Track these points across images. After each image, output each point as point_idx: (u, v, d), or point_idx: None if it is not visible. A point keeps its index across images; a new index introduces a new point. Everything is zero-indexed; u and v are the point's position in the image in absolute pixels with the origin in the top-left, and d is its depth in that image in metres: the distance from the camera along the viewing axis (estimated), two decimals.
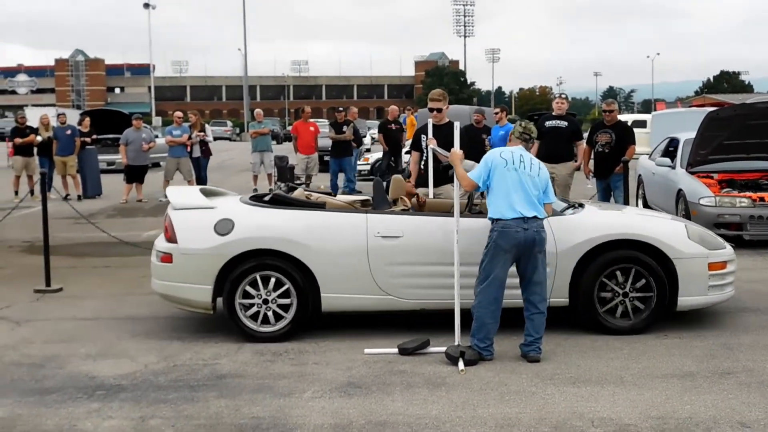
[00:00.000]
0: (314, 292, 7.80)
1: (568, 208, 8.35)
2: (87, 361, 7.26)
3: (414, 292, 7.81)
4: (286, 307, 7.81)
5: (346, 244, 7.80)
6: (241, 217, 7.96)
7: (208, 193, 8.62)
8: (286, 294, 7.78)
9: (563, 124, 13.37)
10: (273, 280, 7.77)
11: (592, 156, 13.49)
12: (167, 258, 7.93)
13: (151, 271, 8.23)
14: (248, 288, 7.78)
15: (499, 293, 7.05)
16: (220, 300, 7.93)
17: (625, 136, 13.14)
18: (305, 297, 7.77)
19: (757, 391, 6.23)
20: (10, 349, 7.70)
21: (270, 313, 7.80)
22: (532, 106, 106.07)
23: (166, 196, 20.44)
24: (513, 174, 7.05)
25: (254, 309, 7.81)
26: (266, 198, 8.54)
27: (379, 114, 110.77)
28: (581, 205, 8.62)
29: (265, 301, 7.79)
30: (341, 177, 21.27)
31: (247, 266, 7.74)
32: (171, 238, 7.93)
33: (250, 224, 7.89)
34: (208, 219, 7.92)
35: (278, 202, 8.35)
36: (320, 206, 8.29)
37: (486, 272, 7.03)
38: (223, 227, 7.83)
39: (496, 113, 16.72)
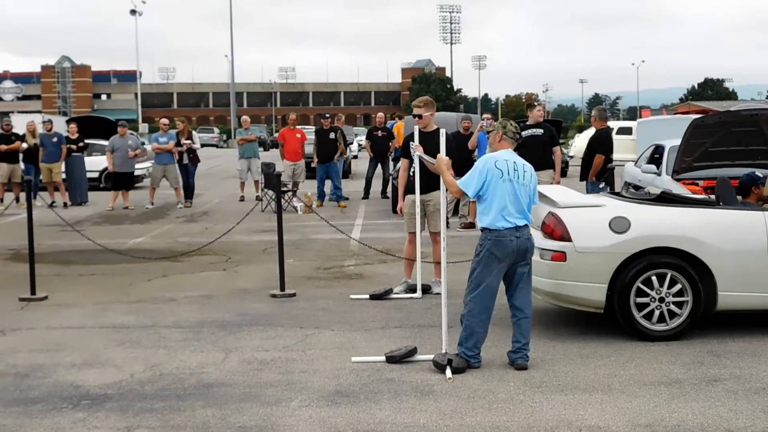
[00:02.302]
0: (709, 289, 7.82)
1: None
2: (72, 371, 7.21)
3: None
4: (680, 305, 7.83)
5: (746, 241, 7.86)
6: (636, 214, 7.97)
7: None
8: (680, 292, 7.80)
9: (539, 131, 13.58)
10: (668, 277, 7.78)
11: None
12: (560, 256, 7.89)
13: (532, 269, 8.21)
14: (641, 286, 7.79)
15: (491, 303, 7.03)
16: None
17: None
18: (699, 295, 7.79)
19: (745, 398, 6.24)
20: None
21: (665, 312, 7.82)
22: (518, 113, 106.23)
23: (152, 203, 20.56)
24: (509, 185, 6.98)
25: (649, 308, 7.82)
26: (650, 195, 8.61)
27: (366, 121, 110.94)
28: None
29: (661, 300, 7.80)
30: (328, 184, 21.27)
31: (641, 264, 7.77)
32: (562, 236, 7.91)
33: (647, 222, 7.92)
34: (601, 217, 7.96)
35: (665, 199, 8.42)
36: (711, 203, 8.38)
37: (478, 281, 7.01)
38: (619, 225, 7.84)
39: (488, 119, 16.75)
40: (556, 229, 7.99)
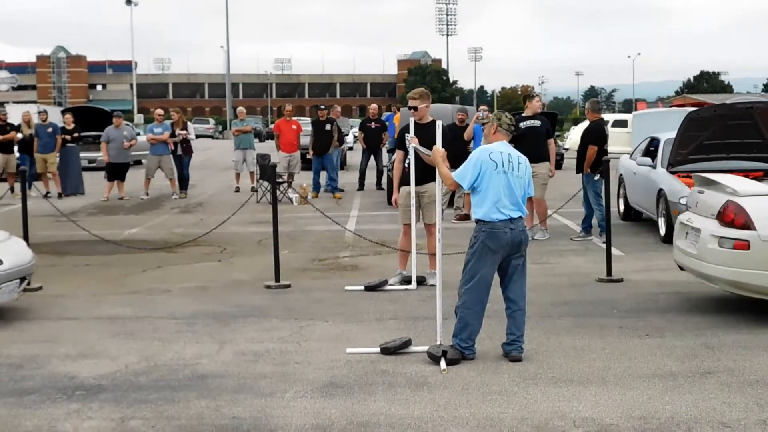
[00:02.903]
0: None
1: None
2: (67, 362, 7.21)
3: None
4: None
5: None
6: None
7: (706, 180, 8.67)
8: None
9: (537, 123, 13.60)
10: None
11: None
12: (743, 245, 7.86)
13: (706, 257, 8.12)
14: None
15: (485, 294, 7.04)
16: None
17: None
18: None
19: (738, 391, 6.25)
20: None
21: None
22: (514, 105, 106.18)
23: (147, 194, 20.54)
24: (503, 177, 6.97)
25: None
26: None
27: (362, 112, 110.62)
28: None
29: None
30: (323, 175, 21.25)
31: None
32: (745, 225, 7.88)
33: None
34: None
35: None
36: None
37: (472, 273, 7.02)
38: None
39: (484, 111, 16.72)
40: (737, 218, 7.96)
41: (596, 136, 13.57)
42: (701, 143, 13.29)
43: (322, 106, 21.87)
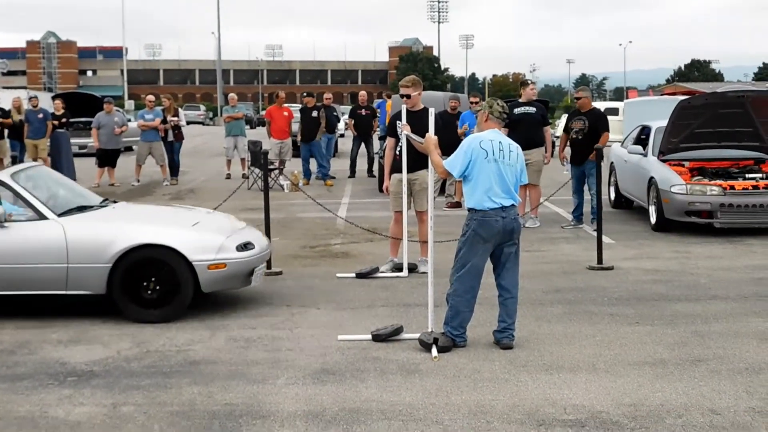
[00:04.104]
0: None
1: None
2: (59, 347, 7.21)
3: None
4: None
5: None
6: None
7: None
8: None
9: (532, 109, 13.57)
10: None
11: (568, 143, 13.64)
12: None
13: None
14: None
15: (476, 282, 7.05)
16: None
17: (598, 123, 13.28)
18: None
19: (728, 378, 6.29)
20: None
21: None
22: (505, 92, 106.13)
23: (138, 181, 20.49)
24: (494, 165, 6.96)
25: None
26: None
27: (353, 99, 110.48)
28: None
29: None
30: (313, 163, 21.23)
31: None
32: None
33: None
34: None
35: None
36: None
37: (463, 261, 7.03)
38: None
39: (475, 102, 16.58)
40: None
41: (606, 123, 13.47)
42: (692, 132, 13.35)
43: (305, 93, 21.81)
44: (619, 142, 16.94)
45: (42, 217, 8.12)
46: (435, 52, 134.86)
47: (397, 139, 9.84)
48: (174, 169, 21.14)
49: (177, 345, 7.25)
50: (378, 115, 22.44)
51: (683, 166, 13.11)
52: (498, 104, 7.30)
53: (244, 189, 17.28)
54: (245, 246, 8.40)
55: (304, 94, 21.81)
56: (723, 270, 10.15)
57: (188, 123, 25.15)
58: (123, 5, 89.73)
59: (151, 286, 7.96)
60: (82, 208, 8.67)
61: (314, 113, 20.83)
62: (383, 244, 11.21)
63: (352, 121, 22.38)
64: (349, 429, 5.40)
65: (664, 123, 13.69)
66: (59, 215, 8.18)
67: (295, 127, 21.71)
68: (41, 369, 6.63)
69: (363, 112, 22.28)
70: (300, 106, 23.04)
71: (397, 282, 9.65)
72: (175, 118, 20.94)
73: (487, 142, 7.03)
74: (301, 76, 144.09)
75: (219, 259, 8.10)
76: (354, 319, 7.99)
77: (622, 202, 15.52)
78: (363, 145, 22.19)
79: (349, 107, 29.36)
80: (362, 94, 23.28)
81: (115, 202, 9.45)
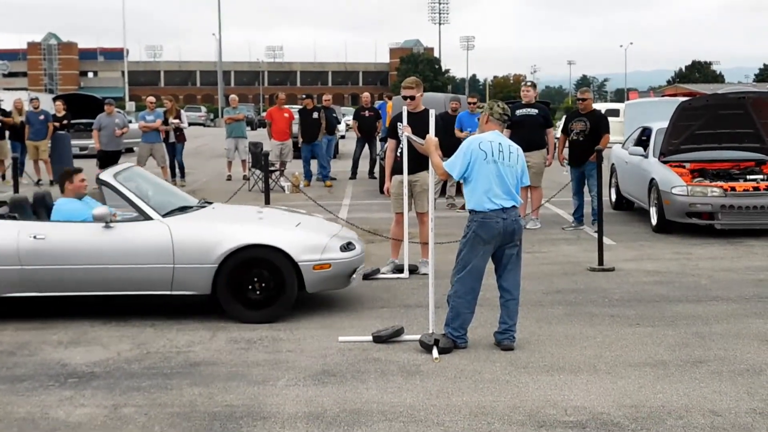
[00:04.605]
0: None
1: None
2: (59, 349, 7.21)
3: None
4: None
5: None
6: None
7: None
8: None
9: (534, 111, 13.50)
10: None
11: (567, 144, 13.64)
12: None
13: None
14: None
15: (477, 284, 7.05)
16: None
17: (599, 124, 13.28)
18: None
19: (729, 379, 6.28)
20: None
21: None
22: (506, 94, 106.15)
23: None
24: (493, 166, 6.95)
25: None
26: None
27: (354, 101, 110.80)
28: None
29: None
30: (314, 164, 21.21)
31: None
32: None
33: None
34: None
35: None
36: None
37: (464, 262, 7.02)
38: None
39: (473, 102, 16.57)
40: None
41: (607, 124, 13.49)
42: (693, 133, 13.34)
43: (304, 95, 21.81)
44: (620, 143, 16.94)
45: (147, 217, 8.11)
46: (436, 54, 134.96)
47: (398, 141, 9.84)
48: (180, 170, 21.13)
49: (177, 346, 7.25)
50: (381, 116, 22.45)
51: (684, 167, 13.10)
52: (498, 106, 7.29)
53: (245, 190, 17.27)
54: (347, 246, 8.40)
55: (303, 96, 21.80)
56: (724, 271, 10.15)
57: (189, 125, 25.06)
58: (123, 6, 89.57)
59: (256, 286, 7.95)
60: (183, 209, 8.66)
61: (314, 114, 20.82)
62: (384, 245, 11.20)
63: (356, 123, 22.37)
64: (349, 430, 5.39)
65: (664, 124, 13.69)
66: (163, 216, 8.18)
67: (295, 128, 21.70)
68: (41, 370, 6.63)
69: (367, 113, 22.26)
70: (300, 107, 23.01)
71: (398, 283, 9.64)
72: (176, 120, 20.94)
73: (487, 143, 7.02)
74: (301, 78, 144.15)
75: (324, 260, 8.10)
76: (355, 321, 7.99)
77: (622, 204, 15.51)
78: (367, 146, 22.18)
79: (350, 108, 29.37)
80: (365, 96, 23.24)
81: (210, 202, 9.38)
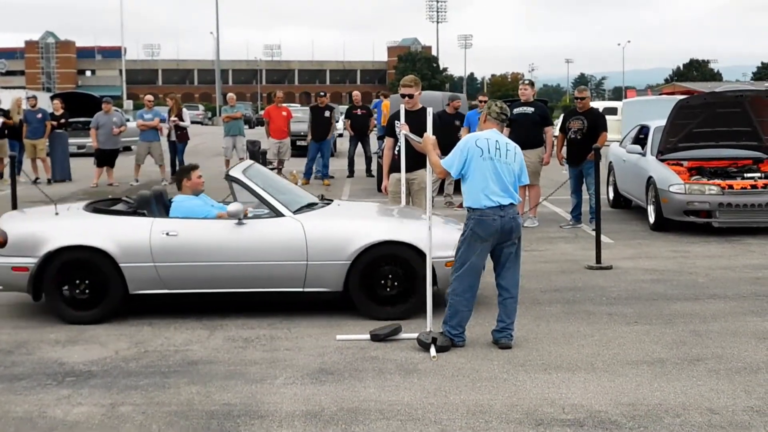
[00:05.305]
0: None
1: None
2: (57, 348, 7.21)
3: None
4: None
5: None
6: None
7: None
8: None
9: (530, 110, 13.48)
10: None
11: (565, 143, 13.64)
12: None
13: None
14: None
15: (475, 281, 7.05)
16: None
17: (596, 123, 13.29)
18: None
19: (726, 378, 6.29)
20: None
21: None
22: (504, 92, 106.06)
23: (137, 181, 20.48)
24: (489, 163, 6.97)
25: None
26: None
27: (352, 99, 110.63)
28: None
29: None
30: (318, 162, 21.20)
31: None
32: None
33: None
34: None
35: None
36: None
37: (462, 260, 7.03)
38: None
39: (484, 101, 16.50)
40: None
41: (605, 122, 13.52)
42: (691, 131, 13.35)
43: (322, 93, 21.81)
44: (618, 141, 16.95)
45: (278, 214, 8.10)
46: (434, 52, 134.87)
47: (396, 139, 9.83)
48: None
49: (175, 345, 7.25)
50: (375, 114, 22.45)
51: (682, 165, 13.11)
52: (496, 105, 7.31)
53: None
54: None
55: (322, 93, 21.77)
56: (721, 269, 10.15)
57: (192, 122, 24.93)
58: (121, 5, 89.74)
59: (388, 283, 7.90)
60: (310, 206, 8.64)
61: (326, 113, 20.84)
62: None
63: (349, 122, 22.40)
64: (347, 429, 5.39)
65: (662, 122, 13.70)
66: (294, 212, 8.18)
67: (295, 126, 21.64)
68: (39, 369, 6.63)
69: (359, 111, 22.28)
70: (299, 105, 22.98)
71: None
72: (175, 120, 20.92)
73: (483, 141, 7.04)
74: (299, 76, 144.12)
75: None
76: (352, 319, 7.98)
77: (620, 202, 15.52)
78: (360, 144, 22.20)
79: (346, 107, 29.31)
80: (356, 94, 23.29)
81: (330, 200, 9.25)
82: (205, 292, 8.08)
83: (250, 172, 8.60)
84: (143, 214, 8.24)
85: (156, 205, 8.57)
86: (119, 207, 8.74)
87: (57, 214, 8.39)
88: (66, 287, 7.92)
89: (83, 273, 7.93)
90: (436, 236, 7.68)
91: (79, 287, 7.93)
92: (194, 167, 8.92)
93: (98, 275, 7.92)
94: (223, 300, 8.24)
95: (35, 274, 7.87)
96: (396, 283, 7.94)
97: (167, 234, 7.94)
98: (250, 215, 8.21)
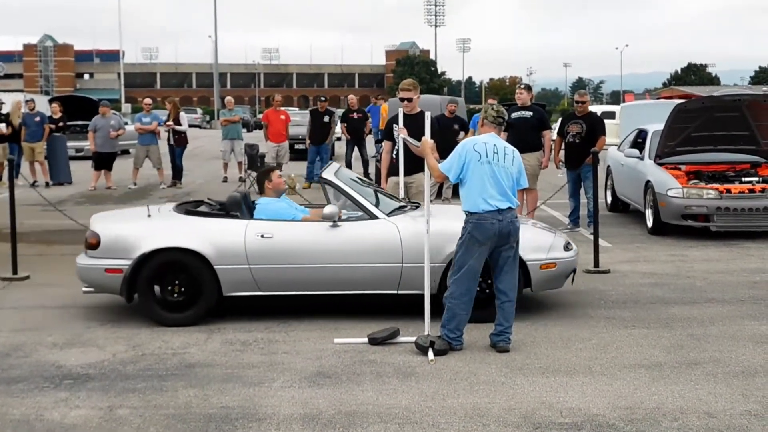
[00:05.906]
0: None
1: None
2: (54, 350, 7.20)
3: None
4: None
5: None
6: None
7: None
8: None
9: (528, 114, 13.45)
10: None
11: (563, 146, 13.65)
12: None
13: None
14: None
15: (472, 285, 7.05)
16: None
17: (595, 127, 13.30)
18: None
19: (724, 381, 6.29)
20: None
21: None
22: (502, 96, 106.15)
23: (135, 184, 20.48)
24: (487, 167, 6.98)
25: None
26: None
27: (348, 104, 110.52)
28: None
29: None
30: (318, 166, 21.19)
31: None
32: None
33: None
34: None
35: None
36: None
37: (460, 263, 7.03)
38: None
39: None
40: None
41: (603, 126, 13.54)
42: (689, 135, 13.37)
43: (322, 98, 21.86)
44: (616, 145, 16.96)
45: (372, 216, 8.08)
46: (432, 56, 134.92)
47: (394, 143, 9.84)
48: (177, 173, 21.11)
49: (172, 348, 7.24)
50: (370, 117, 22.47)
51: (680, 169, 13.12)
52: (493, 109, 7.35)
53: None
54: (568, 245, 8.35)
55: (322, 98, 21.81)
56: (719, 273, 10.16)
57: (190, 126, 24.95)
58: (119, 8, 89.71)
59: (482, 286, 7.79)
60: (401, 208, 8.59)
61: (325, 118, 20.87)
62: None
63: (345, 126, 22.42)
64: None
65: (660, 126, 13.71)
66: (387, 215, 8.15)
67: (294, 130, 21.64)
68: (36, 372, 6.62)
69: (355, 115, 22.31)
70: (297, 109, 22.99)
71: None
72: (170, 124, 20.92)
73: (481, 145, 7.05)
74: (297, 80, 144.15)
75: (550, 259, 8.06)
76: (350, 322, 7.98)
77: (618, 206, 15.53)
78: (357, 148, 22.20)
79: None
80: (351, 98, 23.35)
81: (416, 203, 9.06)
82: (299, 294, 8.10)
83: (340, 175, 8.55)
84: (236, 216, 8.22)
85: (243, 207, 8.54)
86: (204, 209, 8.71)
87: (150, 216, 8.35)
88: (159, 289, 7.91)
89: (177, 275, 7.92)
90: (529, 238, 7.67)
91: (173, 289, 7.93)
92: (272, 168, 8.96)
93: (193, 277, 7.91)
94: (314, 303, 8.27)
95: (129, 276, 7.84)
96: (484, 286, 7.76)
97: (262, 236, 7.92)
98: (344, 217, 8.17)
